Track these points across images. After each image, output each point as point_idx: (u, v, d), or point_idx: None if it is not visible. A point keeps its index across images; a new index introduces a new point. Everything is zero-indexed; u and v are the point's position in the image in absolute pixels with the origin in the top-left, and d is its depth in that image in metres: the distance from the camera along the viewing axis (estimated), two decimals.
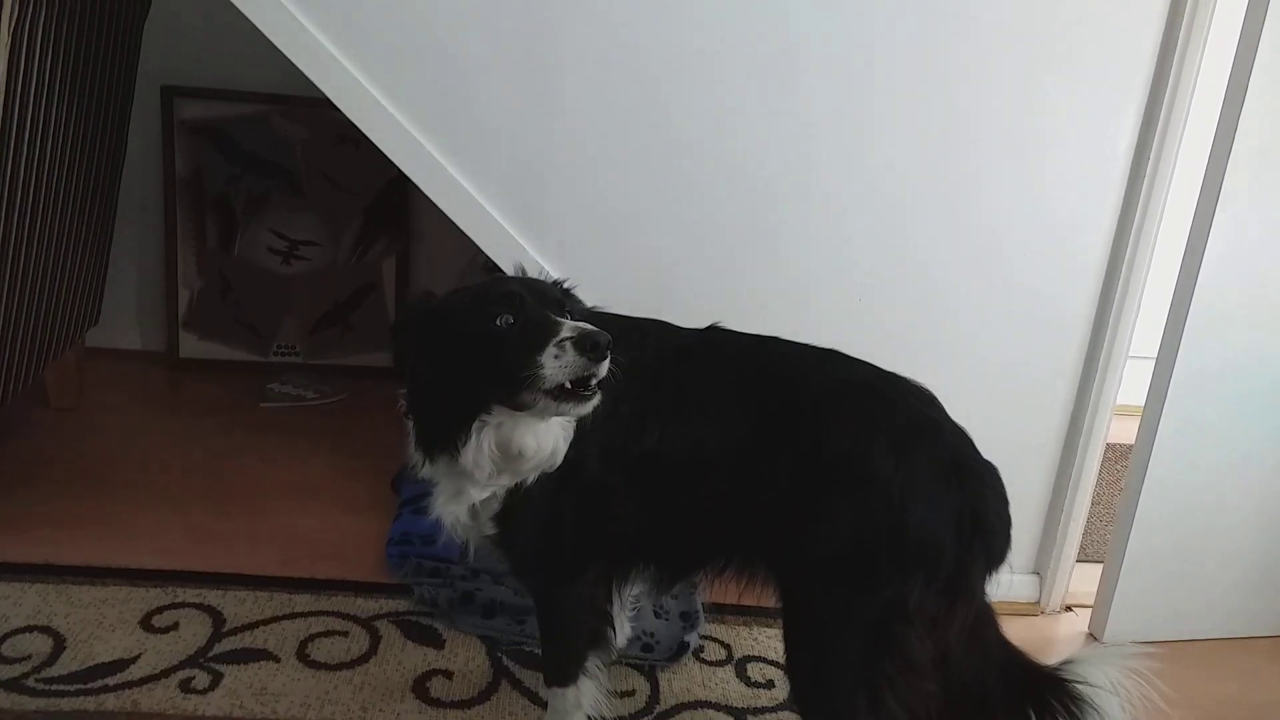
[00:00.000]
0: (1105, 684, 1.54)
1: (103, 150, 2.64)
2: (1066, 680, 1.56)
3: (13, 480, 2.47)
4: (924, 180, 2.17)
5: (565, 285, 1.64)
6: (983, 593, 1.53)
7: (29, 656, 1.86)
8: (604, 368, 1.41)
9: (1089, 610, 2.38)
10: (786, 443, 1.52)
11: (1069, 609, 2.43)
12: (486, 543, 1.68)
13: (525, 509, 1.60)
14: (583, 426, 1.55)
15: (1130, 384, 2.34)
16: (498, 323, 1.46)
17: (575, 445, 1.56)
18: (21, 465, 2.56)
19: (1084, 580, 2.43)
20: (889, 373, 1.59)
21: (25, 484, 2.47)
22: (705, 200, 2.14)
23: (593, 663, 1.74)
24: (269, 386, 3.16)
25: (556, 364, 1.40)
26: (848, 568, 1.45)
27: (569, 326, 1.43)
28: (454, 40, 2.01)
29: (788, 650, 1.56)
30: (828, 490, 1.47)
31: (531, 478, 1.57)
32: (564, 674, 1.72)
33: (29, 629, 1.93)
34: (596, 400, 1.43)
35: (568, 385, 1.41)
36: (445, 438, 1.51)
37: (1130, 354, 2.30)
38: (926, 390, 1.58)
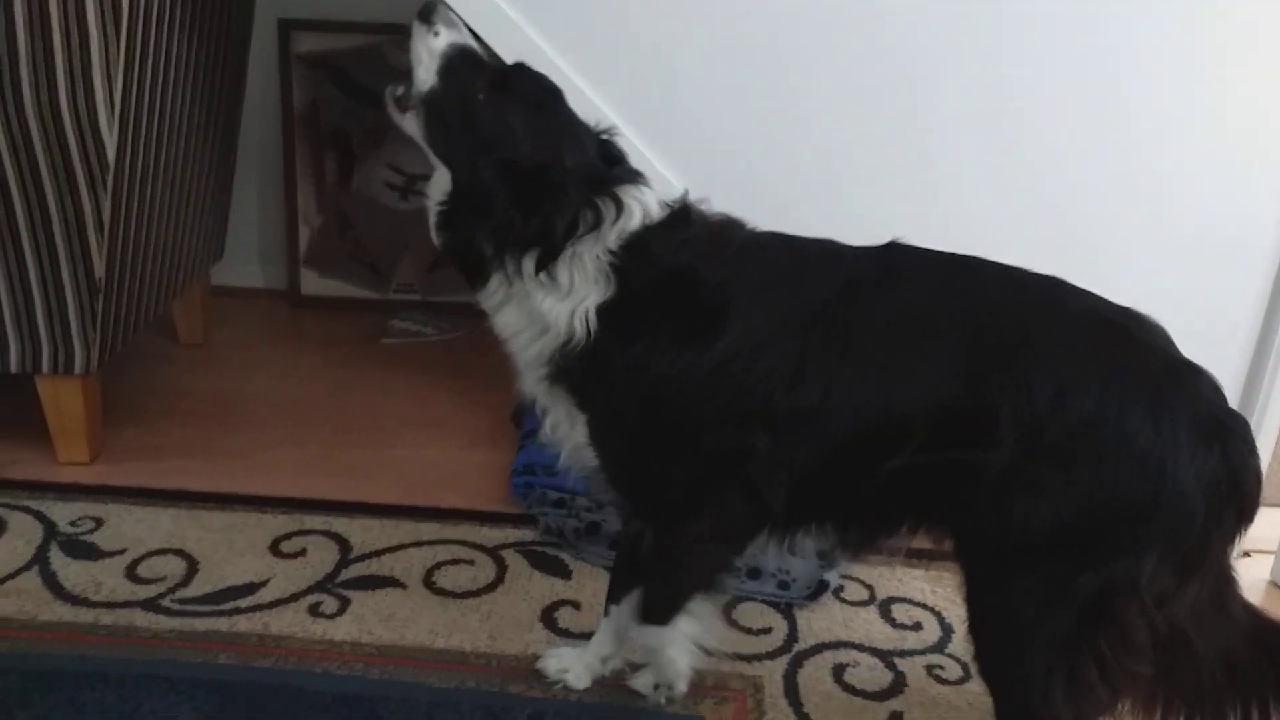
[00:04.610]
0: None
1: (223, 83, 2.63)
2: None
3: (145, 411, 2.51)
4: (1082, 100, 1.96)
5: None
6: (1226, 558, 1.34)
7: (164, 578, 1.87)
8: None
9: (1271, 556, 2.17)
10: (1013, 396, 1.27)
11: (1247, 554, 2.21)
12: (598, 479, 1.54)
13: (608, 428, 1.45)
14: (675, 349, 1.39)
15: None
16: None
17: (676, 391, 1.38)
18: (153, 397, 2.59)
19: (1265, 525, 2.20)
20: (1123, 306, 1.34)
21: (157, 414, 2.50)
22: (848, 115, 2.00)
23: (698, 602, 1.57)
24: (389, 323, 3.15)
25: None
26: (1075, 538, 1.25)
27: None
28: None
29: (977, 616, 1.37)
30: (1067, 455, 1.25)
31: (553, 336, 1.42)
32: (660, 613, 1.56)
33: (163, 551, 1.95)
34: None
35: None
36: None
37: None
38: (1160, 325, 1.33)
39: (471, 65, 1.46)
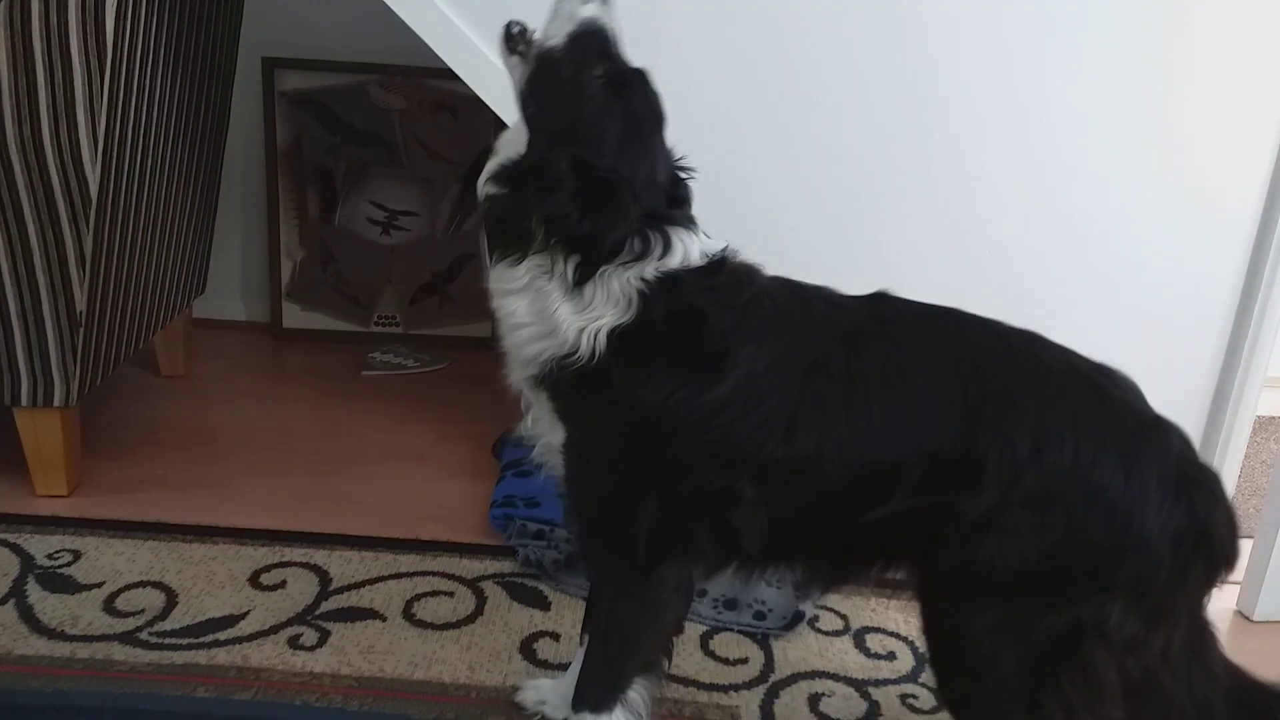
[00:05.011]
0: None
1: (207, 119, 2.66)
2: None
3: (124, 443, 2.51)
4: (1024, 160, 2.03)
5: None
6: (1200, 610, 1.37)
7: (142, 610, 1.86)
8: None
9: (1237, 588, 2.21)
10: (999, 447, 1.30)
11: None
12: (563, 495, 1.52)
13: (585, 451, 1.43)
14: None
15: None
16: None
17: (664, 431, 1.37)
18: (132, 429, 2.59)
19: None
20: (1098, 362, 1.37)
21: (136, 447, 2.50)
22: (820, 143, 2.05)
23: (638, 688, 1.51)
24: (370, 356, 3.17)
25: None
26: (1040, 580, 1.29)
27: None
28: None
29: (935, 647, 1.40)
30: (1041, 502, 1.28)
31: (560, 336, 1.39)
32: (603, 697, 1.49)
33: (142, 584, 1.94)
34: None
35: None
36: None
37: None
38: (1133, 381, 1.37)
39: (600, 48, 1.41)
